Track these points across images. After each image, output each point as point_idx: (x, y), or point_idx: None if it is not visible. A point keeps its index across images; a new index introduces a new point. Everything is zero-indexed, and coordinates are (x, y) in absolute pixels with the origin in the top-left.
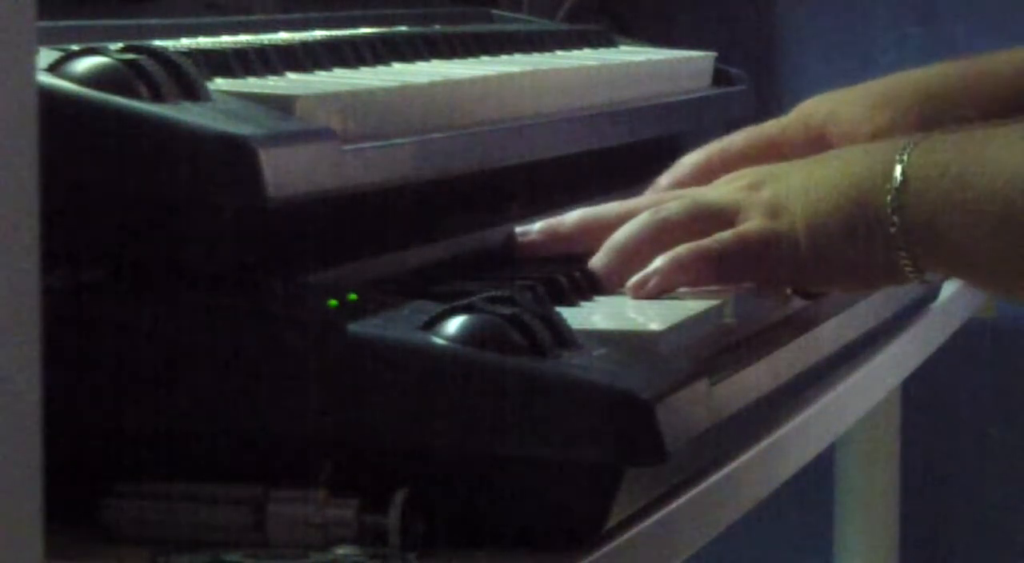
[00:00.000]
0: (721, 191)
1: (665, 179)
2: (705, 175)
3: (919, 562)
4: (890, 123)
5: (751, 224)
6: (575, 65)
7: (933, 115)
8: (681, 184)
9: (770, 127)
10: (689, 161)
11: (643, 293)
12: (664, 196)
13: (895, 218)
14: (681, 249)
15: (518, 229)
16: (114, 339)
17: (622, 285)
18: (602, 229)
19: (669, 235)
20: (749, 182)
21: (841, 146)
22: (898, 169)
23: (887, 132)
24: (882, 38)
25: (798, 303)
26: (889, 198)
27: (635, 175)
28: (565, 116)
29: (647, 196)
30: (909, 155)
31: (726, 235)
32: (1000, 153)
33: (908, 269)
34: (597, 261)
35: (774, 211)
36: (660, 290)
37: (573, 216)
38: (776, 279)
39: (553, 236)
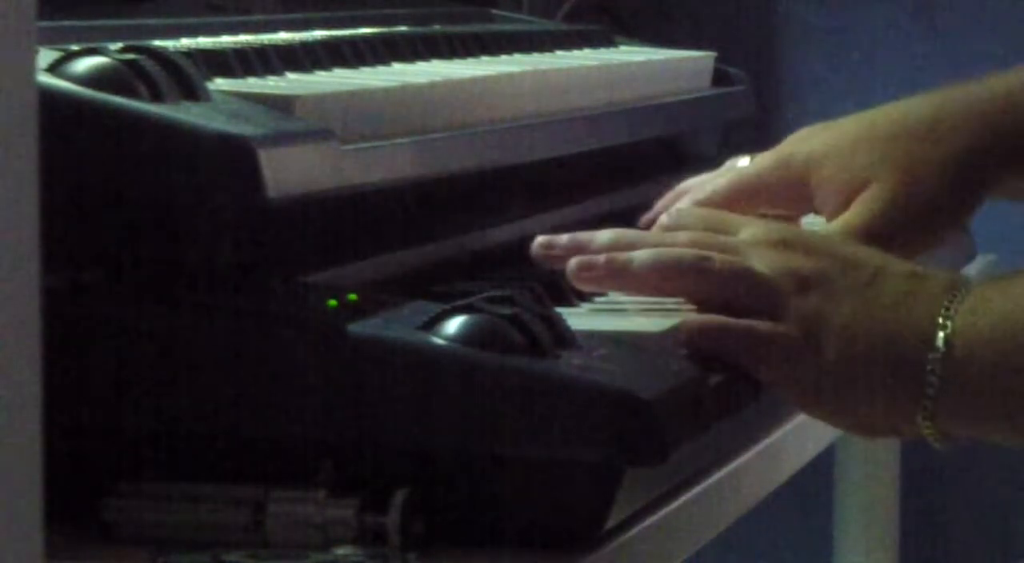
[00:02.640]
0: (772, 268)
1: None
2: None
3: (919, 562)
4: (869, 170)
5: (789, 332)
6: (575, 65)
7: (914, 154)
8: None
9: (750, 174)
10: (681, 211)
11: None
12: (710, 241)
13: (934, 391)
14: (717, 323)
15: (540, 238)
16: (114, 339)
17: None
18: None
19: (703, 283)
20: (801, 273)
21: (825, 189)
22: (940, 337)
23: (866, 177)
24: (882, 38)
25: None
26: (929, 368)
27: (635, 175)
28: (565, 116)
29: (686, 233)
30: (953, 319)
31: (764, 330)
32: None
33: (931, 435)
34: (624, 258)
35: (813, 329)
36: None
37: (605, 236)
38: (787, 391)
39: (580, 253)
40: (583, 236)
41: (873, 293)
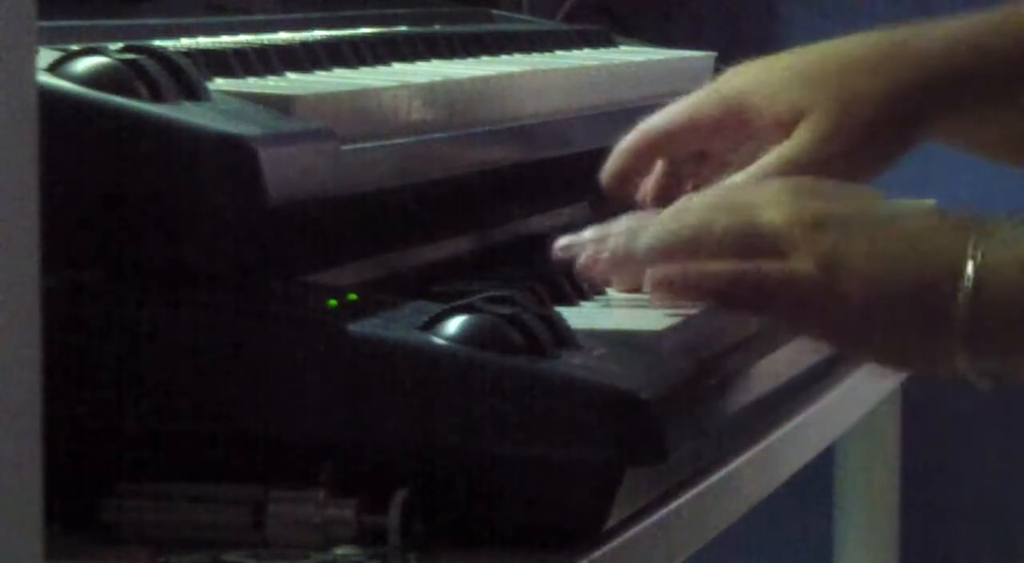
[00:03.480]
0: (779, 217)
1: (607, 172)
2: (642, 162)
3: (919, 562)
4: (808, 99)
5: (803, 269)
6: (575, 65)
7: (855, 86)
8: (624, 176)
9: (684, 109)
10: (622, 149)
11: (664, 294)
12: (717, 202)
13: (965, 323)
14: (722, 269)
15: (562, 241)
16: (114, 339)
17: (633, 277)
18: None
19: (711, 248)
20: (812, 216)
21: (759, 122)
22: (970, 267)
23: (803, 106)
24: None
25: None
26: (960, 299)
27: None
28: (565, 116)
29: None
30: (983, 252)
31: (774, 270)
32: None
33: (962, 365)
34: (626, 246)
35: (831, 265)
36: (683, 295)
37: (619, 226)
38: (813, 334)
39: (593, 265)
40: (600, 230)
41: (893, 228)
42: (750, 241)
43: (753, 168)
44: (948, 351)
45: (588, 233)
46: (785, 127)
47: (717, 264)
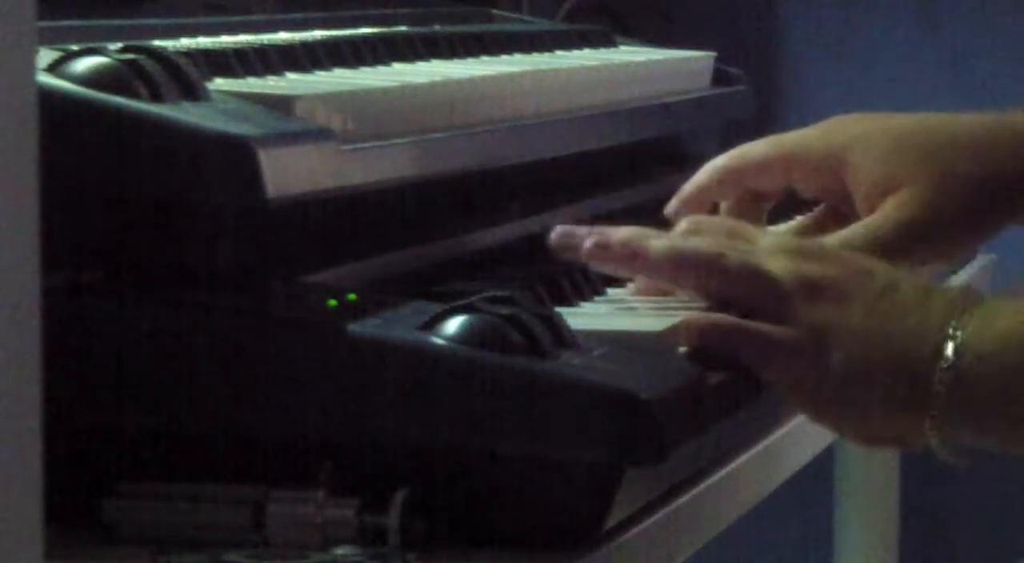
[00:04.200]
0: (785, 272)
1: (689, 187)
2: (726, 185)
3: (919, 562)
4: (909, 167)
5: (795, 335)
6: (575, 65)
7: (958, 165)
8: (705, 193)
9: (792, 141)
10: (713, 167)
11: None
12: (727, 243)
13: (943, 402)
14: (727, 317)
15: (559, 228)
16: (114, 339)
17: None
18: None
19: (715, 278)
20: (813, 279)
21: (857, 176)
22: (950, 347)
23: (901, 177)
24: (882, 38)
25: None
26: (938, 377)
27: (635, 175)
28: (565, 116)
29: (705, 236)
30: (963, 330)
31: (775, 332)
32: None
33: (936, 445)
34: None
35: (819, 338)
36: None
37: (622, 234)
38: (786, 391)
39: (601, 251)
40: (603, 230)
41: (884, 304)
42: (754, 287)
43: (842, 233)
44: (920, 428)
45: (586, 229)
46: (881, 191)
47: (724, 315)
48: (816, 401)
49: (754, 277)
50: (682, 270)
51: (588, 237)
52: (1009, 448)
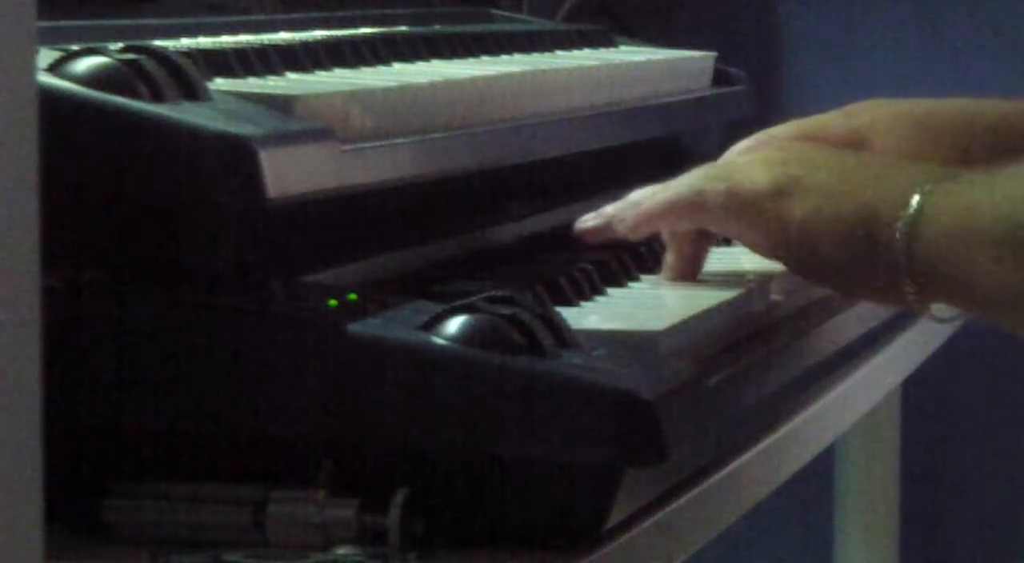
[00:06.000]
0: (757, 175)
1: None
2: None
3: (919, 562)
4: (928, 150)
5: (751, 185)
6: (575, 65)
7: (974, 149)
8: None
9: (814, 124)
10: (738, 150)
11: (621, 226)
12: (710, 172)
13: (903, 247)
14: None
15: (584, 218)
16: (114, 339)
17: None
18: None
19: (699, 214)
20: (783, 158)
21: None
22: (915, 199)
23: (922, 157)
24: (882, 38)
25: (801, 300)
26: (900, 224)
27: (635, 175)
28: (565, 116)
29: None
30: (930, 186)
31: (720, 187)
32: (1009, 182)
33: (912, 297)
34: (616, 212)
35: (785, 190)
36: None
37: (633, 196)
38: (762, 249)
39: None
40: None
41: (853, 165)
42: (735, 205)
43: None
44: (893, 280)
45: (608, 208)
46: None
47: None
48: (789, 253)
49: (732, 196)
50: (675, 213)
51: (610, 226)
52: (972, 310)
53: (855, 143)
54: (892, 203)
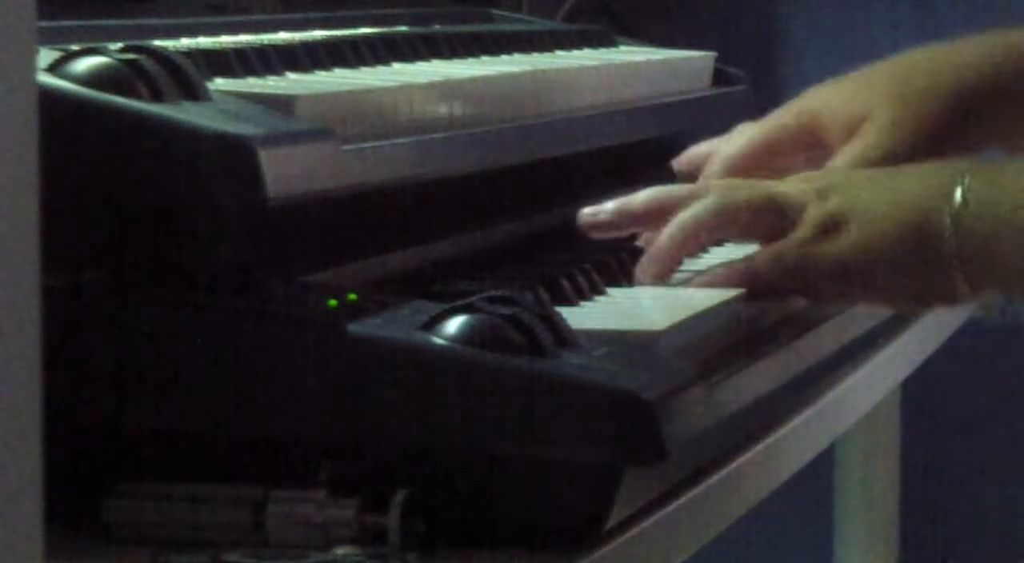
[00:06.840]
0: (791, 188)
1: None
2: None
3: (919, 562)
4: (868, 105)
5: (801, 237)
6: (575, 65)
7: (911, 85)
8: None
9: (764, 130)
10: (708, 176)
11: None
12: (735, 182)
13: (953, 240)
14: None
15: (585, 210)
16: (114, 339)
17: (677, 263)
18: (673, 208)
19: (733, 221)
20: (818, 187)
21: (829, 135)
22: (958, 192)
23: (866, 114)
24: (881, 38)
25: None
26: (949, 220)
27: (635, 175)
28: (565, 116)
29: (717, 180)
30: (969, 179)
31: (764, 256)
32: None
33: (963, 289)
34: (665, 236)
35: (833, 225)
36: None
37: (642, 195)
38: (823, 294)
39: (623, 215)
40: (621, 200)
41: (893, 181)
42: (767, 210)
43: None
44: (949, 278)
45: (611, 204)
46: (852, 134)
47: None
48: (848, 286)
49: (767, 199)
50: (700, 213)
51: (616, 221)
52: None
53: (807, 133)
54: (937, 200)
